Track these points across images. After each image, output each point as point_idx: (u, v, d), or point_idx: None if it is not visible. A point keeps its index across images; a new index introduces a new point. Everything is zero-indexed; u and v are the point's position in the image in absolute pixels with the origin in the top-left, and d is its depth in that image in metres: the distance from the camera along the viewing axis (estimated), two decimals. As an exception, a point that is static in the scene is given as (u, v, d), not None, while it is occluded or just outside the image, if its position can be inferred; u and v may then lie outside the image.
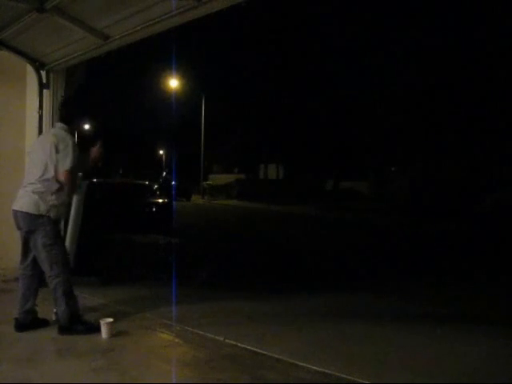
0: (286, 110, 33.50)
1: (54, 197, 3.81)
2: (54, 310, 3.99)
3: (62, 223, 4.31)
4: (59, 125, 4.02)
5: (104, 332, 3.83)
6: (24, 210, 3.80)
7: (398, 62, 28.64)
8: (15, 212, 3.86)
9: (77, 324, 3.86)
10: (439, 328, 4.61)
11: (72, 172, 3.84)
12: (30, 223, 3.80)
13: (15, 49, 5.26)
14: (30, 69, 5.56)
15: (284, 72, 33.43)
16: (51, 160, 3.79)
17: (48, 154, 3.80)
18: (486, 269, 8.69)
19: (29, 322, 3.92)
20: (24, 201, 3.82)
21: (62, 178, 3.79)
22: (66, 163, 3.78)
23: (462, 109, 25.64)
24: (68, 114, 4.09)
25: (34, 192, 3.79)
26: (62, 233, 4.27)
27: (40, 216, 3.78)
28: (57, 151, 3.80)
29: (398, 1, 29.63)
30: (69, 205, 4.20)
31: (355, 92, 30.05)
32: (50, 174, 3.80)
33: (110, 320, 3.91)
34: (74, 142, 3.89)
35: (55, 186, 3.81)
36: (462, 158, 27.39)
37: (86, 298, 5.05)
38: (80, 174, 4.17)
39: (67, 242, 4.19)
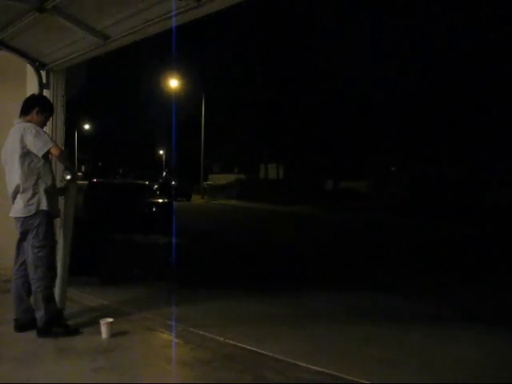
0: (286, 110, 33.49)
1: (37, 189, 3.83)
2: None
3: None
4: (15, 121, 4.01)
5: (104, 332, 3.83)
6: (18, 216, 3.87)
7: (399, 61, 28.63)
8: (14, 218, 3.92)
9: (55, 327, 3.84)
10: (441, 328, 4.61)
11: (56, 146, 3.94)
12: (23, 225, 3.86)
13: (15, 49, 5.26)
14: (29, 69, 5.56)
15: (284, 72, 33.42)
16: (27, 153, 3.81)
17: (19, 155, 3.81)
18: (486, 268, 8.69)
19: (28, 322, 3.92)
20: (16, 207, 3.89)
21: (54, 153, 3.87)
22: (43, 144, 3.81)
23: (462, 108, 25.63)
24: (22, 107, 4.07)
25: (21, 197, 3.84)
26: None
27: (32, 216, 3.81)
28: (23, 144, 3.80)
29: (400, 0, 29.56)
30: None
31: (355, 92, 30.03)
32: (24, 174, 3.82)
33: (110, 320, 3.90)
34: (34, 125, 3.90)
35: (32, 181, 3.83)
36: (462, 158, 27.40)
37: (86, 297, 5.05)
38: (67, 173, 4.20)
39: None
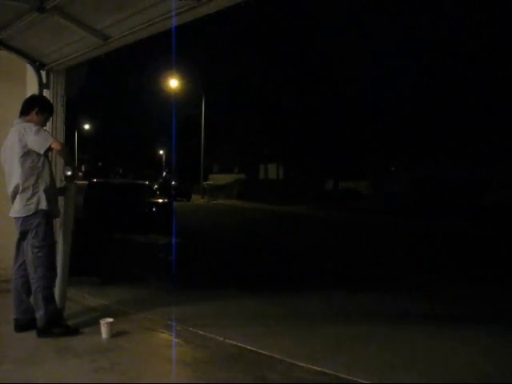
0: (286, 110, 33.50)
1: (36, 189, 3.84)
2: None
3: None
4: (15, 122, 4.01)
5: (104, 332, 3.83)
6: (17, 215, 3.87)
7: (399, 62, 28.67)
8: (13, 218, 3.93)
9: (55, 327, 3.84)
10: (441, 328, 4.61)
11: (57, 141, 3.98)
12: (22, 225, 3.86)
13: (15, 49, 5.26)
14: (30, 69, 5.56)
15: (284, 72, 33.44)
16: (26, 151, 3.82)
17: (19, 155, 3.81)
18: (486, 268, 8.69)
19: (28, 322, 3.92)
20: (15, 206, 3.89)
21: (56, 148, 3.86)
22: (44, 140, 3.81)
23: (463, 109, 25.63)
24: (22, 107, 4.08)
25: (20, 197, 3.84)
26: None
27: (32, 215, 3.81)
28: (23, 144, 3.80)
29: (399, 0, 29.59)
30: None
31: (356, 92, 30.06)
32: (25, 174, 3.82)
33: (110, 320, 3.90)
34: (34, 124, 3.91)
35: (32, 180, 3.84)
36: (463, 158, 27.40)
37: (86, 297, 5.05)
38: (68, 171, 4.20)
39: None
